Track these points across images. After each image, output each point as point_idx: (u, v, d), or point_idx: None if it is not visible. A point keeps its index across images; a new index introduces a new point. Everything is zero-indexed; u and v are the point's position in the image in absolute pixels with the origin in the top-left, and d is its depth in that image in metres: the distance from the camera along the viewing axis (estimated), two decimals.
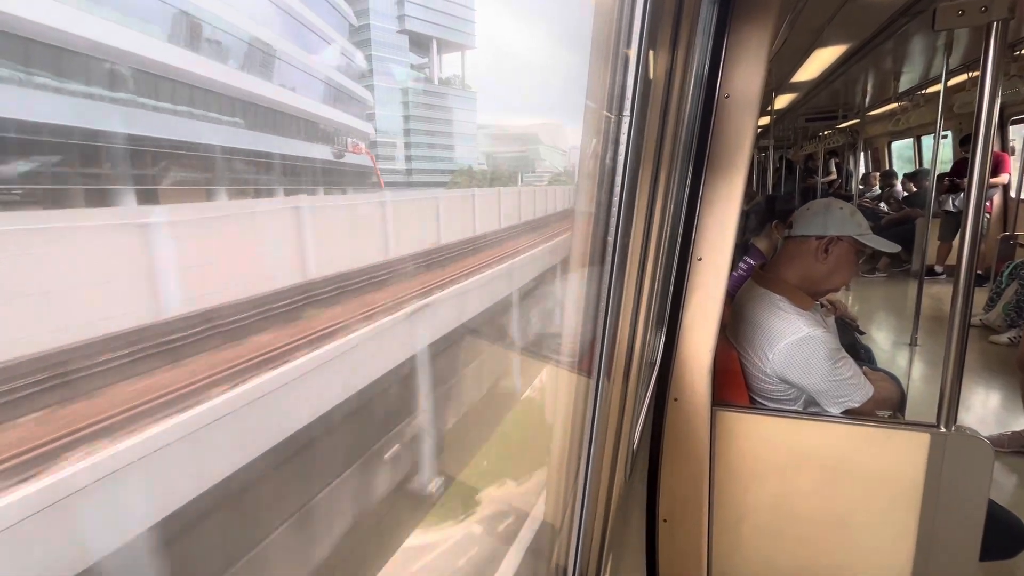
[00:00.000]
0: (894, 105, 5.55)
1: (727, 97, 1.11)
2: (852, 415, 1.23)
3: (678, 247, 1.18)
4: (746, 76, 1.09)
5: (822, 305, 1.58)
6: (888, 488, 1.19)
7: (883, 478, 1.19)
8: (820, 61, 3.38)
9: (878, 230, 1.32)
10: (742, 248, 1.96)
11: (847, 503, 1.23)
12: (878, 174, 7.10)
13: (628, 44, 0.43)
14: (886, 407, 1.37)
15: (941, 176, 4.85)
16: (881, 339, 3.49)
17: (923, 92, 4.90)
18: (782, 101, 4.92)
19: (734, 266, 1.17)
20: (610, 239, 0.47)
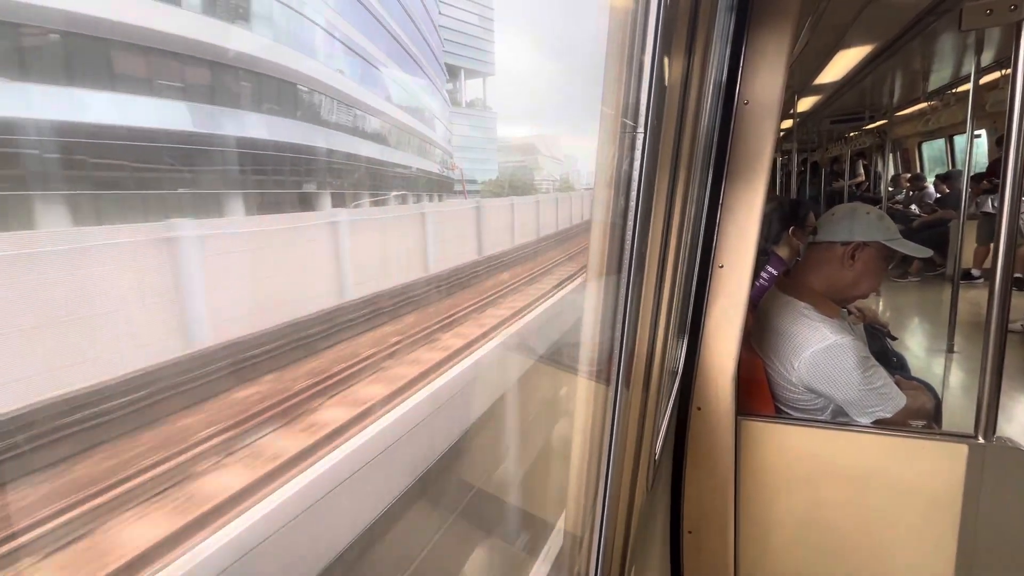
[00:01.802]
0: (923, 105, 5.38)
1: (746, 103, 1.10)
2: (883, 425, 1.19)
3: (699, 254, 1.17)
4: (765, 82, 1.08)
5: (849, 312, 1.54)
6: (924, 501, 1.14)
7: (918, 490, 1.14)
8: (844, 62, 3.31)
9: (909, 233, 1.28)
10: (762, 257, 1.92)
11: (880, 516, 1.18)
12: (908, 176, 6.89)
13: (642, 52, 0.43)
14: (918, 418, 1.32)
15: (975, 177, 4.67)
16: (915, 346, 3.36)
17: (954, 91, 4.74)
18: (805, 104, 4.82)
19: (755, 276, 1.15)
20: (627, 247, 0.47)
